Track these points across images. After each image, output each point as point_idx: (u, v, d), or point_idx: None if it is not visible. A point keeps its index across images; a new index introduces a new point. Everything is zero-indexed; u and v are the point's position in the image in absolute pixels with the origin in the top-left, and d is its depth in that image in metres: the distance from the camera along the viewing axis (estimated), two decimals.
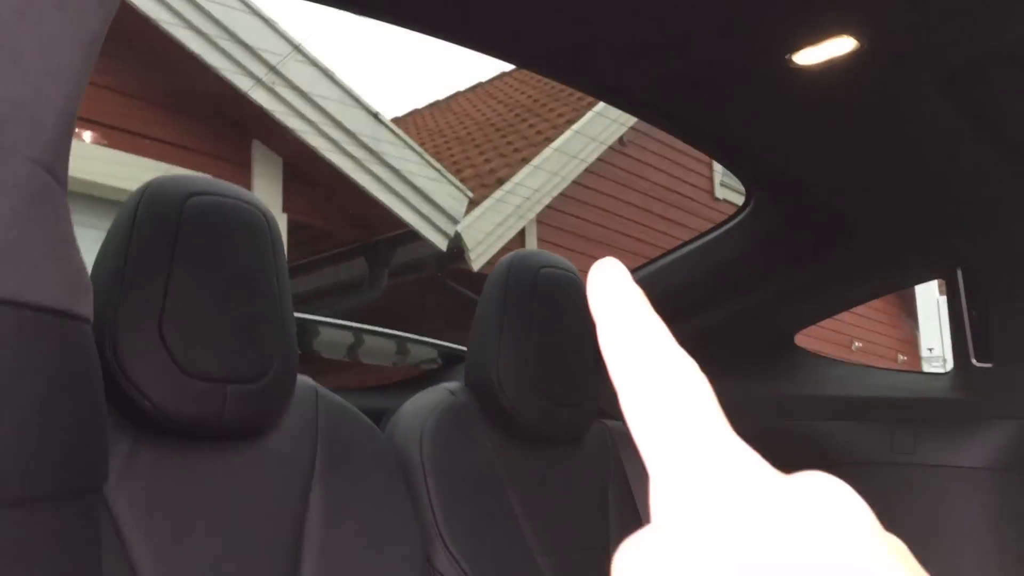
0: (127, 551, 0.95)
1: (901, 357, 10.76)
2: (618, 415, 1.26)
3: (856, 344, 10.29)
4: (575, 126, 6.86)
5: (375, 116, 5.14)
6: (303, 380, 1.24)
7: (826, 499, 0.20)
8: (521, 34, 1.01)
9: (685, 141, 1.35)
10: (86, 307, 0.45)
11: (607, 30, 1.01)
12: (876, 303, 10.62)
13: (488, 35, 1.02)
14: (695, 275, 1.71)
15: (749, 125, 1.23)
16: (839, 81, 1.06)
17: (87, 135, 4.13)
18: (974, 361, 1.51)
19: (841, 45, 0.96)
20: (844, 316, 9.95)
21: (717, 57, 1.04)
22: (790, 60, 1.00)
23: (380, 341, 2.32)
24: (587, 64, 1.08)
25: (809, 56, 0.99)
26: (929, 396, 1.59)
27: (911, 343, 10.98)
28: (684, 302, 1.76)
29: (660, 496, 0.22)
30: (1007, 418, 1.49)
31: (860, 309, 10.28)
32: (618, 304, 0.25)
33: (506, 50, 1.05)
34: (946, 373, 1.61)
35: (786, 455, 1.70)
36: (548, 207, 6.70)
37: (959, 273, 1.51)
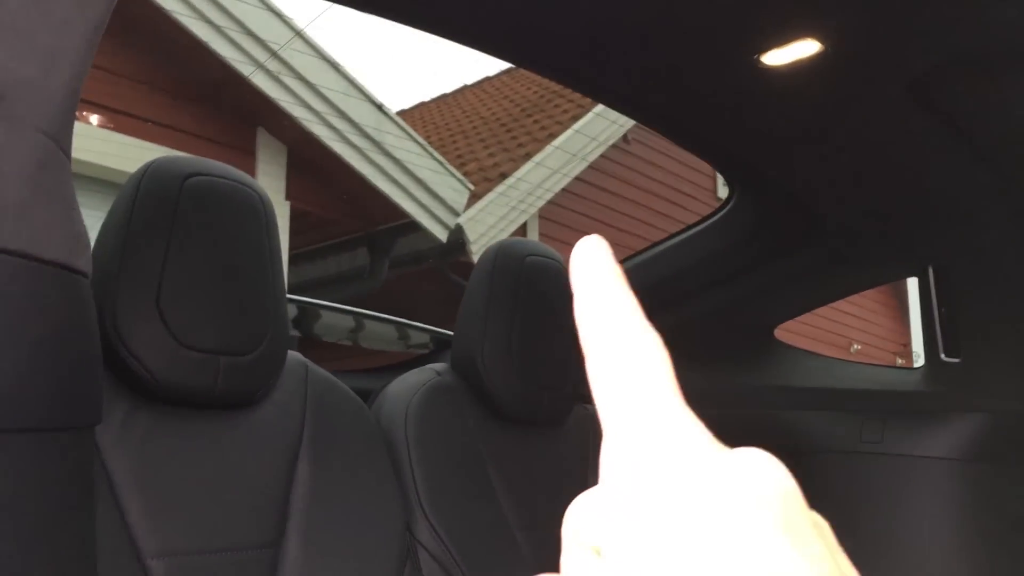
0: (120, 506, 1.01)
1: (899, 360, 10.80)
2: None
3: (855, 346, 10.33)
4: (577, 124, 6.90)
5: (379, 107, 5.20)
6: (294, 355, 1.30)
7: (756, 473, 0.21)
8: (493, 25, 1.06)
9: (667, 137, 1.40)
10: (85, 263, 0.51)
11: (590, 27, 1.07)
12: (876, 306, 10.66)
13: (463, 27, 1.07)
14: (680, 267, 1.76)
15: (725, 122, 1.28)
16: (807, 82, 1.11)
17: (94, 118, 4.19)
18: (943, 356, 1.56)
19: (806, 47, 1.02)
20: (844, 319, 10.00)
21: (691, 55, 1.09)
22: (759, 60, 1.06)
23: (379, 326, 2.38)
24: (568, 59, 1.14)
25: (777, 57, 1.05)
26: (899, 389, 1.64)
27: (910, 346, 11.01)
28: (669, 293, 1.81)
29: (609, 457, 0.23)
30: (973, 411, 1.54)
31: (860, 312, 10.33)
32: (594, 277, 0.26)
33: (484, 43, 1.10)
34: (917, 368, 1.67)
35: (760, 442, 1.75)
36: (550, 202, 6.75)
37: (930, 271, 1.56)
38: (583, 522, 0.23)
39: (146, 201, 1.08)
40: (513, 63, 1.25)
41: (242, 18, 4.44)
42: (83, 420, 0.50)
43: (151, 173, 1.11)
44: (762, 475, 0.22)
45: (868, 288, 1.86)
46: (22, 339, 0.45)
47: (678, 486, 0.21)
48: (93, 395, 0.53)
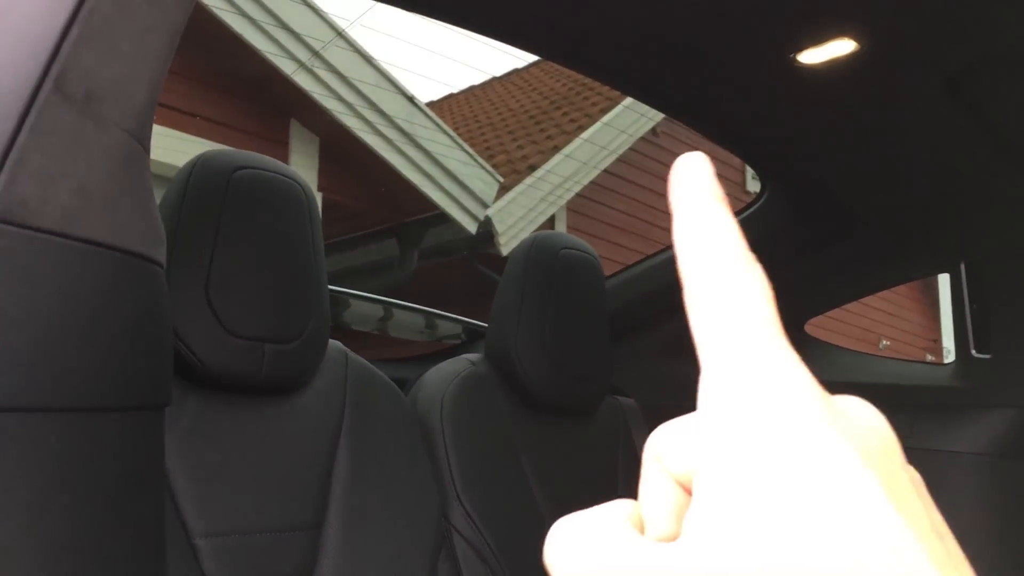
0: (172, 490, 1.05)
1: (929, 357, 10.70)
2: (630, 393, 1.36)
3: (884, 342, 10.25)
4: (606, 117, 6.89)
5: (410, 99, 5.23)
6: (334, 344, 1.34)
7: (860, 424, 0.21)
8: (536, 25, 1.09)
9: (702, 133, 1.42)
10: (161, 255, 0.55)
11: (624, 22, 1.09)
12: (906, 302, 10.57)
13: (504, 24, 1.09)
14: None
15: (760, 119, 1.30)
16: (842, 80, 1.13)
17: None
18: (974, 352, 1.57)
19: (842, 47, 1.03)
20: (874, 315, 9.93)
21: (727, 52, 1.11)
22: (795, 59, 1.08)
23: (408, 315, 2.41)
24: (599, 54, 1.16)
25: (813, 56, 1.06)
26: (929, 384, 1.65)
27: (940, 342, 10.91)
28: None
29: (707, 389, 0.22)
30: (1003, 406, 1.54)
31: (890, 308, 10.25)
32: (696, 202, 0.25)
33: (523, 39, 1.13)
34: (947, 364, 1.67)
35: None
36: (579, 195, 6.76)
37: (962, 267, 1.57)
38: (672, 447, 0.23)
39: (196, 194, 1.12)
40: (544, 57, 1.28)
41: (280, 14, 4.49)
42: (160, 400, 0.54)
43: (200, 167, 1.15)
44: (866, 426, 0.22)
45: (900, 284, 1.86)
46: (108, 325, 0.49)
47: (782, 426, 0.20)
48: (166, 378, 0.56)
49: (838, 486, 0.19)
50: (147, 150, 0.52)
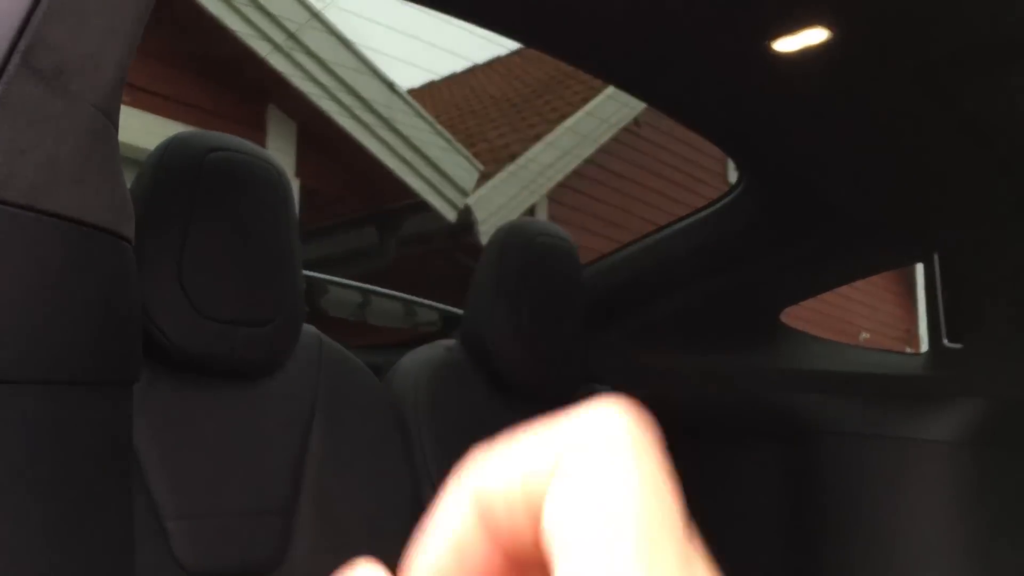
0: (143, 472, 1.05)
1: (908, 349, 10.81)
2: (605, 379, 1.37)
3: (864, 335, 10.34)
4: (588, 106, 6.89)
5: (390, 86, 5.21)
6: (308, 328, 1.33)
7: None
8: (512, 8, 1.09)
9: (678, 120, 1.43)
10: (130, 230, 0.54)
11: (603, 10, 1.09)
12: (884, 294, 10.66)
13: (481, 7, 1.09)
14: (689, 249, 1.79)
15: (736, 107, 1.31)
16: (816, 69, 1.13)
17: None
18: (946, 341, 1.58)
19: (815, 35, 1.04)
20: (853, 306, 10.01)
21: (703, 41, 1.12)
22: (769, 47, 1.08)
23: (387, 302, 2.41)
24: (579, 41, 1.16)
25: (787, 44, 1.07)
26: (902, 373, 1.67)
27: (914, 331, 11.02)
28: (677, 274, 1.84)
29: None
30: (974, 396, 1.57)
31: (868, 299, 10.33)
32: None
33: (500, 23, 1.13)
34: (920, 353, 1.69)
35: (763, 423, 1.78)
36: (560, 184, 6.75)
37: (936, 257, 1.58)
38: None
39: (168, 175, 1.11)
40: (525, 44, 1.28)
41: None
42: (128, 375, 0.54)
43: (173, 147, 1.14)
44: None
45: (875, 273, 1.88)
46: (75, 299, 0.48)
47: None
48: (135, 354, 0.56)
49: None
50: (116, 125, 0.52)
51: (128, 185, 1.14)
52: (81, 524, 0.49)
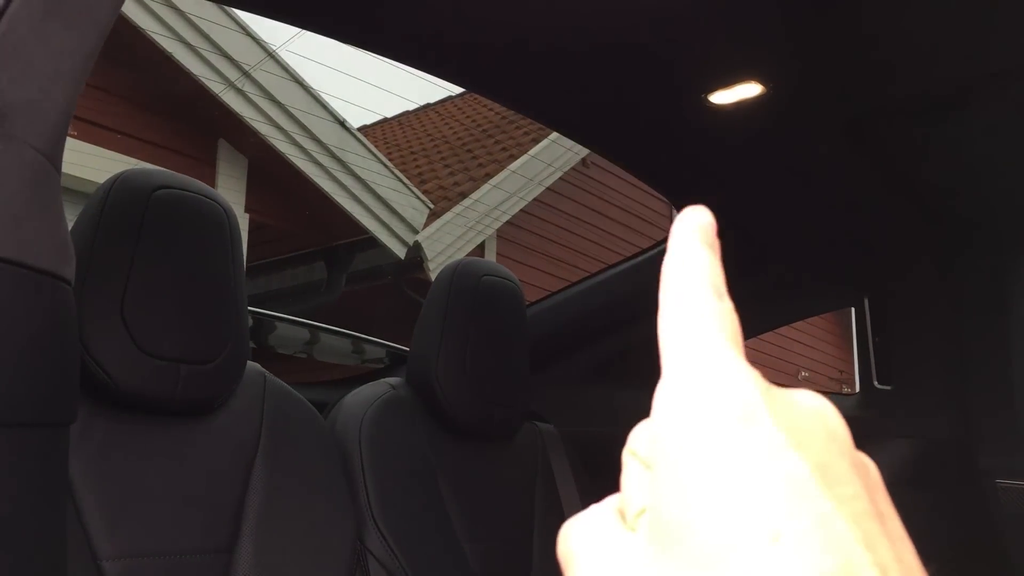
0: (77, 508, 1.04)
1: (846, 388, 11.01)
2: (549, 418, 1.39)
3: (803, 374, 10.51)
4: (534, 150, 6.98)
5: (342, 124, 5.23)
6: (252, 366, 1.33)
7: (800, 412, 0.22)
8: (451, 53, 1.12)
9: (621, 166, 1.46)
10: (70, 272, 0.55)
11: (545, 57, 1.13)
12: (825, 336, 10.87)
13: (420, 51, 1.12)
14: (626, 293, 1.82)
15: (674, 155, 1.35)
16: (751, 121, 1.18)
17: None
18: (876, 383, 1.64)
19: (749, 89, 1.09)
20: (792, 347, 10.19)
21: (643, 91, 1.16)
22: (706, 99, 1.13)
23: (334, 339, 2.41)
24: (521, 87, 1.19)
25: (723, 97, 1.12)
26: None
27: (848, 373, 11.23)
28: (619, 316, 1.87)
29: (662, 393, 0.24)
30: (903, 436, 1.61)
31: (808, 340, 10.53)
32: (686, 241, 0.27)
33: (439, 66, 1.16)
34: (853, 394, 1.74)
35: None
36: (508, 223, 6.81)
37: (866, 302, 1.64)
38: (638, 443, 0.25)
39: (114, 211, 1.11)
40: (468, 89, 1.31)
41: (210, 33, 4.45)
42: (63, 418, 0.54)
43: (120, 184, 1.14)
44: (809, 410, 0.23)
45: (809, 316, 1.94)
46: (13, 342, 0.49)
47: (716, 413, 0.22)
48: (71, 395, 0.56)
49: (764, 466, 0.20)
50: (58, 169, 0.53)
51: (74, 220, 1.14)
52: (13, 566, 0.50)
